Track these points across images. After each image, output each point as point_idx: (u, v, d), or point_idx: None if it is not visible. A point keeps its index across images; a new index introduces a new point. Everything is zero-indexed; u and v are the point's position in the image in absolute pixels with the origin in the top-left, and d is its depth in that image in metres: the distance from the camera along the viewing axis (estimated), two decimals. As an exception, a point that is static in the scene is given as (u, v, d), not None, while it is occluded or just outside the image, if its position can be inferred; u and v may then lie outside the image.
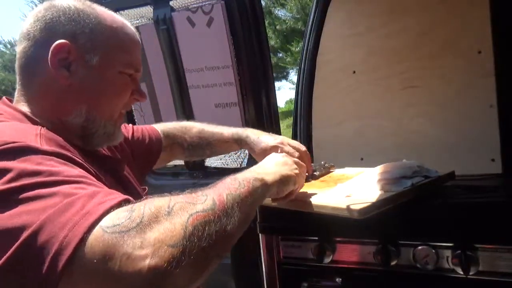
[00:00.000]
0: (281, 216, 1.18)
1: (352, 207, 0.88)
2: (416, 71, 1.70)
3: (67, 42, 0.76)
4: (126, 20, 0.87)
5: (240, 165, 1.96)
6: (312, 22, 1.85)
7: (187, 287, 0.54)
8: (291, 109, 2.37)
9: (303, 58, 1.89)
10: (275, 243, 1.24)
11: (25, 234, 0.51)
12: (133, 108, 2.01)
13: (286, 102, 16.24)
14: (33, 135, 0.66)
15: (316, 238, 1.17)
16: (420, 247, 1.05)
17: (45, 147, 0.64)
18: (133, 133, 1.15)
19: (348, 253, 1.14)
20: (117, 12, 1.81)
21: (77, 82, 0.78)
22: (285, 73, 13.76)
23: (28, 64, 0.79)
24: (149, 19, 1.82)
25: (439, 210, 1.05)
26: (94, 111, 0.81)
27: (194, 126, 1.29)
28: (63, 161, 0.62)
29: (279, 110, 2.75)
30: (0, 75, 14.06)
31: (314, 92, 1.86)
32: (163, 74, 1.87)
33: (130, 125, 1.20)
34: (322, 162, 1.31)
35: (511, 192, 1.24)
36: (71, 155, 0.66)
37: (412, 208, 1.03)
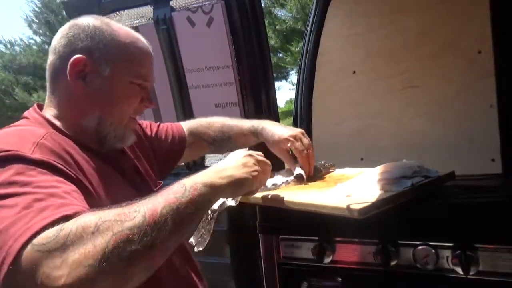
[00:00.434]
0: (281, 216, 1.18)
1: (352, 206, 0.88)
2: (416, 71, 1.70)
3: (84, 56, 0.87)
4: (140, 36, 0.97)
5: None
6: (312, 22, 1.85)
7: None
8: (291, 109, 2.37)
9: (303, 58, 1.89)
10: (275, 243, 1.24)
11: None
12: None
13: (286, 102, 16.24)
14: (30, 143, 0.76)
15: (316, 238, 1.17)
16: (420, 247, 1.04)
17: (35, 155, 0.73)
18: (156, 132, 1.23)
19: (348, 253, 1.14)
20: (117, 12, 1.82)
21: (92, 91, 0.90)
22: (285, 73, 13.76)
23: (54, 75, 0.92)
24: (149, 19, 1.81)
25: (439, 210, 1.05)
26: (106, 116, 0.92)
27: (217, 121, 1.34)
28: (43, 170, 0.71)
29: (279, 110, 2.75)
30: (0, 75, 14.05)
31: (314, 92, 1.86)
32: (163, 74, 1.86)
33: (156, 123, 1.27)
34: (322, 162, 1.31)
35: (511, 192, 1.24)
36: (54, 163, 0.75)
37: (412, 208, 1.03)
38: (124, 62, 0.91)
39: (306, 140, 1.21)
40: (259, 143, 1.28)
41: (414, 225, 1.06)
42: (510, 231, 0.96)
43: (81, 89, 0.89)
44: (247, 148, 1.19)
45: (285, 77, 14.12)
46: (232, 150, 0.98)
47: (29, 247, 0.58)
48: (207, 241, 1.00)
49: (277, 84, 14.95)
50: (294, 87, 3.66)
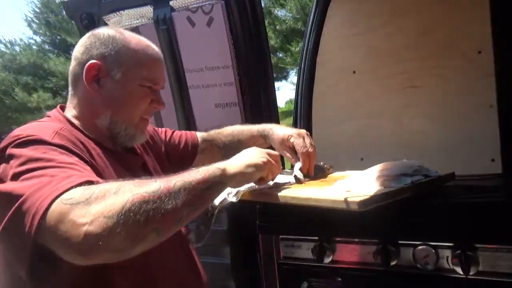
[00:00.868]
0: (281, 216, 1.18)
1: (351, 199, 0.89)
2: (416, 71, 1.70)
3: (98, 62, 0.98)
4: (151, 43, 1.06)
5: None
6: (312, 22, 1.85)
7: (120, 252, 0.69)
8: (291, 109, 2.37)
9: (303, 58, 1.89)
10: (275, 243, 1.24)
11: (19, 201, 0.71)
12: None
13: (286, 102, 16.23)
14: (51, 131, 0.87)
15: (316, 238, 1.17)
16: (420, 247, 1.04)
17: (55, 140, 0.84)
18: (170, 138, 1.32)
19: (348, 253, 1.14)
20: (117, 12, 1.82)
21: (105, 93, 0.99)
22: (285, 73, 13.77)
23: (74, 79, 1.02)
24: (149, 19, 1.81)
25: (439, 210, 1.05)
26: (117, 116, 1.01)
27: (229, 127, 1.42)
28: (63, 151, 0.83)
29: (279, 110, 2.75)
30: (0, 75, 14.05)
31: (314, 92, 1.86)
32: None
33: (171, 130, 1.36)
34: (321, 163, 1.31)
35: (511, 192, 1.24)
36: (71, 147, 0.85)
37: (412, 208, 1.04)
38: (134, 67, 1.00)
39: (309, 139, 1.25)
40: (267, 147, 1.30)
41: (414, 225, 1.06)
42: (510, 231, 0.96)
43: (95, 92, 0.99)
44: None
45: (285, 77, 14.15)
46: None
47: (57, 201, 0.69)
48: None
49: (277, 84, 14.96)
50: (294, 87, 3.66)
